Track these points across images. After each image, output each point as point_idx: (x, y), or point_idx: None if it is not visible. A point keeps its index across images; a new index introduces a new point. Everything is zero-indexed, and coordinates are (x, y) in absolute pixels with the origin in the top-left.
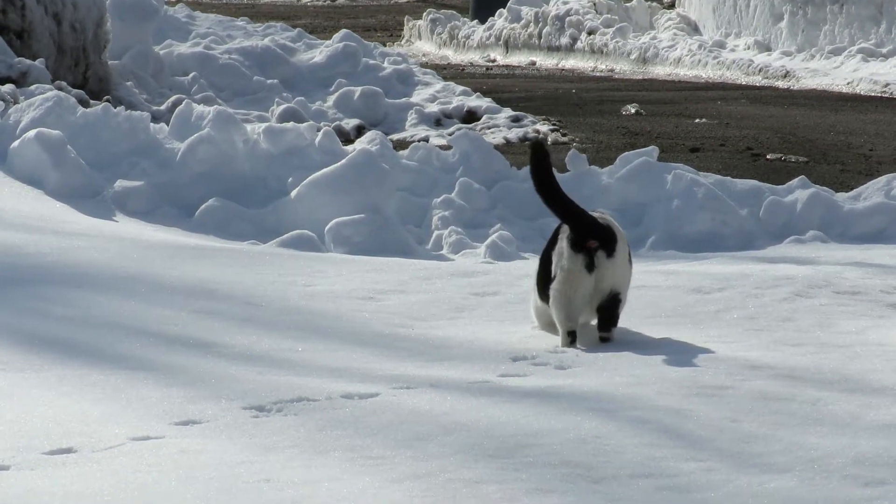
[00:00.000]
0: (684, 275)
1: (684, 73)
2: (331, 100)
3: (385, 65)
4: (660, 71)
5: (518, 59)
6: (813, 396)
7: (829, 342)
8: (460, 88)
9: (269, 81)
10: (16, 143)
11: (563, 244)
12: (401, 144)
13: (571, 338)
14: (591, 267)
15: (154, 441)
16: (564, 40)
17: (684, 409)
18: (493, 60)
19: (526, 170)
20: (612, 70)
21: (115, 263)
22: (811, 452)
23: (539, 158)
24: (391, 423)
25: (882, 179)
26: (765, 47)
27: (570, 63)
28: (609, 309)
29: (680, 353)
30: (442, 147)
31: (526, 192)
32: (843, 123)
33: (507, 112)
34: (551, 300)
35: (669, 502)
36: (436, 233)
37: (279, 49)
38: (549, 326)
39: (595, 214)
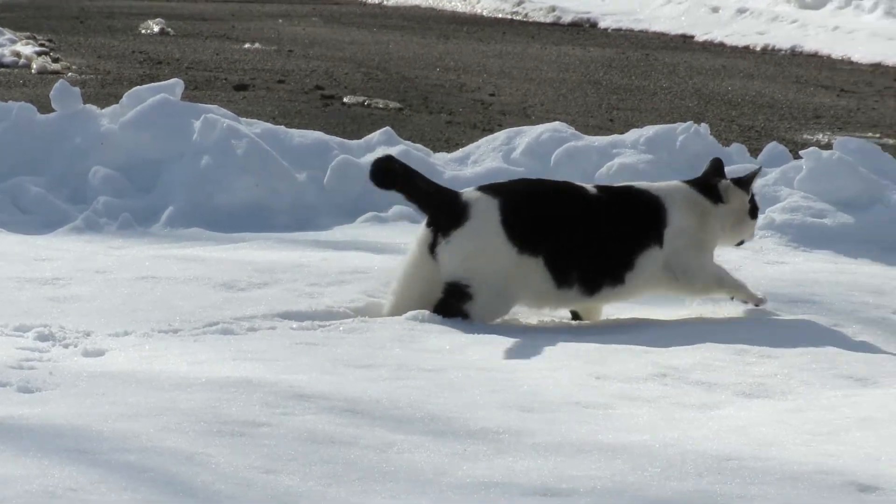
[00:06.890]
0: (211, 263)
1: None
2: None
3: None
4: None
5: None
6: (383, 441)
7: (412, 363)
8: None
9: None
10: None
11: None
12: None
13: None
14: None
15: None
16: None
17: (198, 454)
18: None
19: None
20: None
21: None
22: None
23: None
24: None
25: (500, 135)
26: None
27: None
28: None
29: (198, 375)
30: None
31: None
32: (456, 55)
33: None
34: None
35: None
36: None
37: None
38: None
39: None
